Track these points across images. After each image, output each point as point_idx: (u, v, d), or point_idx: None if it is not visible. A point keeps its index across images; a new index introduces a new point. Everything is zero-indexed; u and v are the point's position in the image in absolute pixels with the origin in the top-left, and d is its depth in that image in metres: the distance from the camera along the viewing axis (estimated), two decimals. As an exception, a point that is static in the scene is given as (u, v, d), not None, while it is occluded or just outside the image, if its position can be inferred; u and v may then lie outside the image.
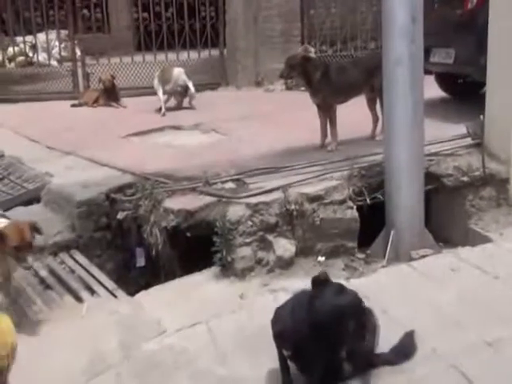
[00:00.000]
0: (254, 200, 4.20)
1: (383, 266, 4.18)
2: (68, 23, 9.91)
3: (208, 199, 4.47)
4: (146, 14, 10.07)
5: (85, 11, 10.45)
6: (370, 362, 2.92)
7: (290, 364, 2.85)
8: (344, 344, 2.79)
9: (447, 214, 4.75)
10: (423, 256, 4.23)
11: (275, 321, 2.78)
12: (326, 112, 5.47)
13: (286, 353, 2.74)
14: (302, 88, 8.99)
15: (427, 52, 5.80)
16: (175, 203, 4.50)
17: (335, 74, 5.47)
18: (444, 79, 7.08)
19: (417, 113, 4.24)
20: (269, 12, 9.51)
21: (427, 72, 6.09)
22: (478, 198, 4.66)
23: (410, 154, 4.27)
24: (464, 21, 5.83)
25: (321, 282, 2.68)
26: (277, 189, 4.28)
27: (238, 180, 4.69)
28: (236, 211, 4.14)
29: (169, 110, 8.17)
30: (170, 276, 4.52)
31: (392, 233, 4.33)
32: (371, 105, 5.65)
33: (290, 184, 4.37)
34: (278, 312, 2.79)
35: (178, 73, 8.18)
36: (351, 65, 5.89)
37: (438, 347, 3.02)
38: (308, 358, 2.72)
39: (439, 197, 4.75)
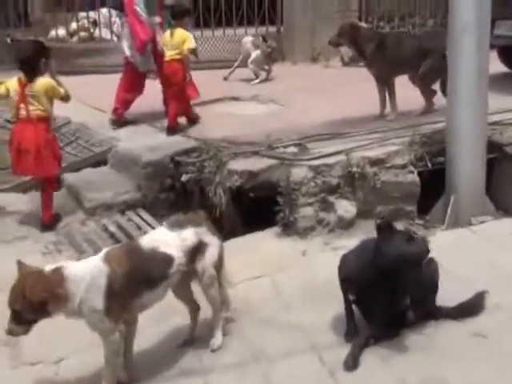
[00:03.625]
0: (316, 162, 4.31)
1: (442, 231, 4.23)
2: None
3: (270, 162, 4.61)
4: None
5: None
6: (432, 312, 3.01)
7: (355, 310, 2.98)
8: (408, 292, 2.90)
9: (508, 183, 4.75)
10: (483, 222, 4.26)
11: (342, 266, 2.90)
12: (384, 83, 5.50)
13: (351, 297, 2.86)
14: (361, 64, 9.06)
15: (491, 24, 5.75)
16: (239, 165, 4.65)
17: (391, 46, 5.47)
18: (507, 53, 6.98)
19: (481, 80, 4.25)
20: (328, -13, 9.51)
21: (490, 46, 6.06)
22: (541, 167, 4.65)
23: (473, 120, 4.30)
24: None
25: (386, 228, 2.75)
26: (339, 152, 4.38)
27: (299, 145, 4.80)
28: (299, 173, 4.26)
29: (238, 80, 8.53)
30: (231, 236, 4.68)
31: (452, 199, 4.37)
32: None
33: (352, 148, 4.45)
34: (345, 258, 2.92)
35: (244, 42, 8.48)
36: (409, 39, 5.84)
37: (501, 302, 3.09)
38: (372, 303, 2.83)
39: (500, 166, 4.75)
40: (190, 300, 3.10)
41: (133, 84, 6.35)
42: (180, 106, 6.02)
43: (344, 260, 2.92)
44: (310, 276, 3.68)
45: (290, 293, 3.52)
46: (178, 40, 5.87)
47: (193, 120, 6.17)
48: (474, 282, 3.26)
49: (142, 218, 4.86)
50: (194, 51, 6.19)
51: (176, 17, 6.04)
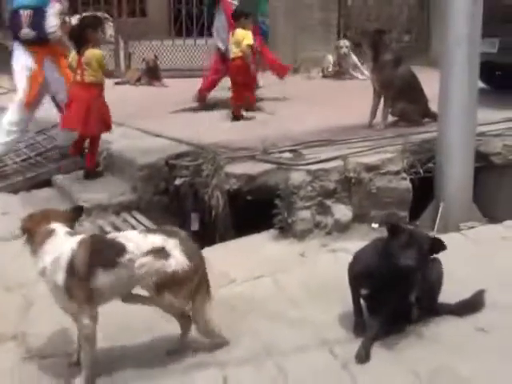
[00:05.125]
0: (314, 167, 4.44)
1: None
2: (113, 5, 10.19)
3: (267, 166, 4.72)
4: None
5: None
6: (435, 308, 3.16)
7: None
8: (414, 289, 3.04)
9: (493, 192, 4.96)
10: (471, 228, 4.45)
11: (355, 262, 3.02)
12: (385, 91, 5.68)
13: (364, 291, 2.97)
14: (344, 76, 9.34)
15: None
16: (236, 168, 4.75)
17: (404, 70, 5.71)
18: (484, 70, 7.26)
19: (472, 91, 4.48)
20: (309, 1, 9.73)
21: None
22: (525, 177, 4.89)
23: (463, 131, 4.50)
24: (512, 11, 6.05)
25: (395, 228, 2.88)
26: (336, 158, 4.53)
27: (294, 151, 4.92)
28: (297, 177, 4.39)
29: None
30: (226, 238, 4.76)
31: (441, 205, 4.56)
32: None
33: (347, 154, 4.61)
34: (358, 255, 3.04)
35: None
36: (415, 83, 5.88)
37: (499, 300, 3.23)
38: (382, 298, 2.95)
39: (485, 175, 4.96)
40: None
41: (220, 69, 7.49)
42: (243, 98, 6.86)
43: (357, 257, 3.03)
44: (311, 276, 3.79)
45: (293, 291, 3.61)
46: (238, 38, 6.70)
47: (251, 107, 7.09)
48: (470, 282, 3.39)
49: (137, 220, 4.91)
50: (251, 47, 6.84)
51: (234, 19, 6.93)
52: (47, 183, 5.58)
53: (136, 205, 5.08)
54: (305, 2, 9.75)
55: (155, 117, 6.91)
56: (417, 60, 9.04)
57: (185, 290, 2.83)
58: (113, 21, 10.66)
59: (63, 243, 2.78)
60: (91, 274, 2.73)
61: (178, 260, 2.77)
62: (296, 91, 8.28)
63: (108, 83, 9.16)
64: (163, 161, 5.20)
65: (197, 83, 8.66)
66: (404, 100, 5.59)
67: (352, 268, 3.02)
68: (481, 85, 7.52)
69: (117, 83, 9.26)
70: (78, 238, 2.82)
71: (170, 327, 3.11)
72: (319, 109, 6.90)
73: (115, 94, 8.54)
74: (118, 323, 3.20)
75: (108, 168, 5.57)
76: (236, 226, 4.91)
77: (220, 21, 7.64)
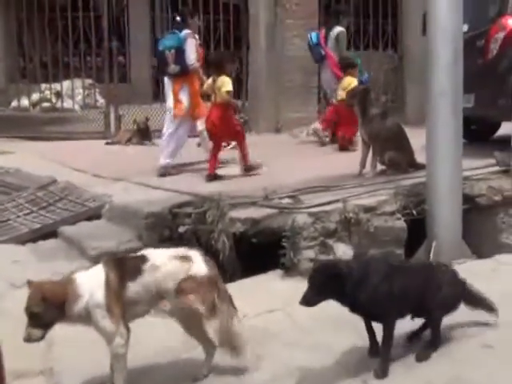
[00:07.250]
0: (316, 209, 4.74)
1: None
2: (104, 70, 10.67)
3: (269, 211, 5.01)
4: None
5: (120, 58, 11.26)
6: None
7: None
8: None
9: (479, 231, 5.29)
10: (463, 263, 4.75)
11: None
12: (373, 143, 6.10)
13: None
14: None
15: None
16: (240, 214, 5.02)
17: (390, 122, 6.19)
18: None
19: (457, 139, 4.87)
20: (290, 65, 10.28)
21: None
22: (508, 216, 5.25)
23: (451, 175, 4.87)
24: (485, 69, 6.57)
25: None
26: (336, 201, 4.84)
27: (293, 197, 5.23)
28: (300, 218, 4.68)
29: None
30: (233, 280, 4.95)
31: (434, 244, 4.87)
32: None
33: (345, 198, 4.93)
34: None
35: None
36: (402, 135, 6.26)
37: (499, 320, 3.49)
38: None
39: (471, 216, 5.30)
40: (204, 338, 3.25)
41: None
42: (349, 132, 8.17)
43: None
44: (320, 309, 3.95)
45: (305, 322, 3.82)
46: (345, 84, 7.95)
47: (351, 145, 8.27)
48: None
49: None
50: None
51: (343, 69, 8.36)
52: (53, 235, 5.74)
53: (142, 252, 5.26)
54: (286, 67, 10.29)
55: (150, 172, 7.17)
56: (394, 118, 9.58)
57: (204, 294, 3.11)
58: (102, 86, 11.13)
59: (92, 272, 3.04)
60: (123, 287, 2.99)
61: (199, 265, 3.12)
62: (282, 148, 8.69)
63: (99, 143, 9.65)
64: (167, 210, 5.44)
65: (189, 143, 9.03)
66: (392, 149, 5.98)
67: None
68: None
69: (107, 143, 9.57)
70: (101, 262, 3.10)
71: (193, 353, 3.31)
72: (309, 161, 7.27)
73: (107, 153, 8.90)
74: (144, 351, 3.37)
75: (111, 219, 5.77)
76: (242, 268, 5.14)
77: (327, 74, 9.06)
